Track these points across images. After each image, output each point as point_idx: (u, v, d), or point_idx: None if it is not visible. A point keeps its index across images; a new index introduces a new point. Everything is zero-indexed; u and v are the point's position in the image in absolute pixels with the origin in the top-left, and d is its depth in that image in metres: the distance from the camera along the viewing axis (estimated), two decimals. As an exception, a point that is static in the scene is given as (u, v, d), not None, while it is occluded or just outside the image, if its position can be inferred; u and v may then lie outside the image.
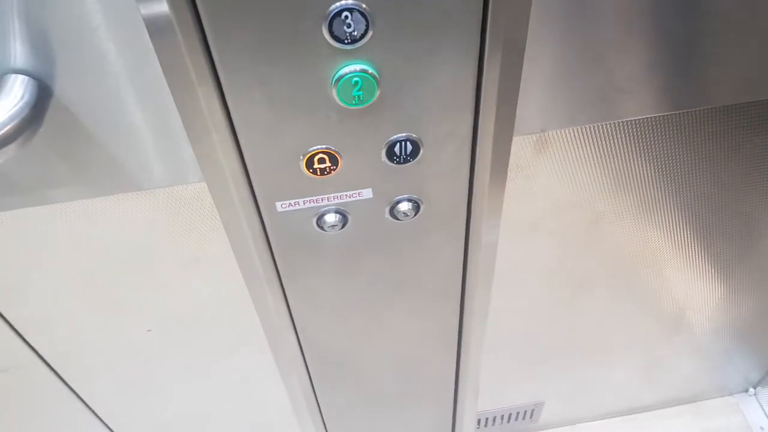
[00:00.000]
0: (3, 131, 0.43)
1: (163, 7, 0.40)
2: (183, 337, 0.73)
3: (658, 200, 0.70)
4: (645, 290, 0.86)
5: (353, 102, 0.44)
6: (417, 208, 0.55)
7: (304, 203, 0.52)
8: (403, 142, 0.49)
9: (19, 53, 0.45)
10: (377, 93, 0.44)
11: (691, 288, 0.88)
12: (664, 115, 0.58)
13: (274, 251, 0.57)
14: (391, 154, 0.49)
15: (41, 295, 0.64)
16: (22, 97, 0.45)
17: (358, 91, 0.44)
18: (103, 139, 0.50)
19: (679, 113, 0.58)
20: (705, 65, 0.54)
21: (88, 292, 0.64)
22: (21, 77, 0.46)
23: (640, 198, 0.69)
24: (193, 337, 0.73)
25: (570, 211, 0.68)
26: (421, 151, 0.50)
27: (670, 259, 0.82)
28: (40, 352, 0.71)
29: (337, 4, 0.40)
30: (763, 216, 0.78)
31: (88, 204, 0.56)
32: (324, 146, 0.48)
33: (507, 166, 0.55)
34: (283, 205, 0.52)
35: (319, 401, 0.85)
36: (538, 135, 0.57)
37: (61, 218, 0.57)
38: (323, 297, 0.64)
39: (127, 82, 0.46)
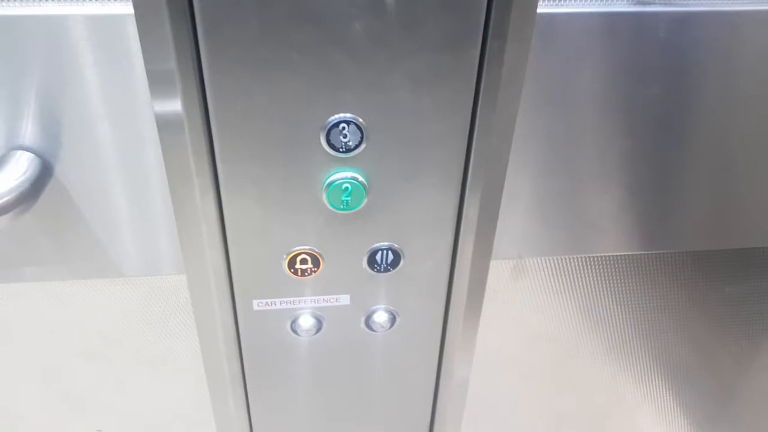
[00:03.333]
0: (2, 201, 0.44)
1: (177, 107, 0.43)
2: (132, 444, 0.69)
3: (629, 343, 0.71)
4: (619, 439, 0.83)
5: (341, 207, 0.46)
6: (393, 320, 0.55)
7: (281, 303, 0.52)
8: (385, 251, 0.50)
9: (29, 132, 0.47)
10: (365, 200, 0.47)
11: (666, 442, 0.86)
12: (634, 255, 0.61)
13: (244, 353, 0.56)
14: (372, 262, 0.51)
15: (-9, 380, 0.61)
16: (25, 172, 0.47)
17: (347, 196, 0.46)
18: (90, 222, 0.51)
19: (649, 254, 0.61)
20: (677, 211, 0.58)
21: (43, 382, 0.61)
22: (27, 154, 0.48)
23: (612, 339, 0.70)
24: (142, 445, 0.69)
25: (544, 344, 0.68)
26: (402, 262, 0.51)
27: (644, 408, 0.80)
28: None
29: (336, 116, 0.43)
30: (734, 375, 0.78)
31: (59, 286, 0.55)
32: (308, 247, 0.49)
33: (484, 288, 0.57)
34: (260, 304, 0.52)
35: None
36: (515, 261, 0.59)
37: (29, 298, 0.56)
38: (288, 409, 0.61)
39: (122, 171, 0.48)
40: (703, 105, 0.51)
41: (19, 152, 0.48)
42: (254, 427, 0.63)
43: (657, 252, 0.61)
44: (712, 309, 0.69)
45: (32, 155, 0.48)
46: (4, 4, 0.42)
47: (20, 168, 0.48)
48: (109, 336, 0.59)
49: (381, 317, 0.54)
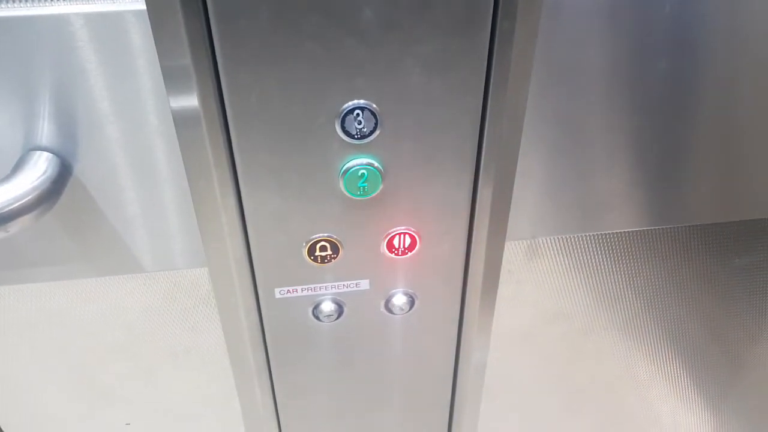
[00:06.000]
0: (24, 200, 0.45)
1: (193, 101, 0.44)
2: (160, 435, 0.70)
3: (643, 319, 0.72)
4: (632, 412, 0.84)
5: (358, 193, 0.47)
6: (411, 302, 0.56)
7: (302, 290, 0.53)
8: (402, 235, 0.51)
9: (46, 133, 0.48)
10: (381, 186, 0.47)
11: (677, 415, 0.87)
12: (645, 230, 0.61)
13: (268, 341, 0.57)
14: (390, 246, 0.51)
15: (20, 379, 0.62)
16: (45, 172, 0.48)
17: (364, 182, 0.47)
18: (111, 219, 0.52)
19: (661, 229, 0.62)
20: (688, 185, 0.58)
21: (71, 378, 0.63)
22: (46, 154, 0.49)
23: (626, 314, 0.71)
24: (170, 435, 0.70)
25: (558, 322, 0.69)
26: (419, 246, 0.52)
27: (656, 384, 0.81)
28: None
29: (351, 102, 0.44)
30: (745, 347, 0.79)
31: (83, 283, 0.56)
32: (327, 234, 0.50)
33: (500, 268, 0.57)
34: (282, 292, 0.53)
35: None
36: (529, 241, 0.60)
37: (54, 297, 0.57)
38: (312, 394, 0.62)
39: (139, 167, 0.49)
40: (710, 80, 0.51)
41: (38, 152, 0.49)
42: (280, 412, 0.64)
43: (669, 227, 0.62)
44: (725, 281, 0.69)
45: (51, 155, 0.49)
46: (14, 5, 0.42)
47: (40, 167, 0.48)
48: (134, 330, 0.60)
49: (400, 300, 0.55)
